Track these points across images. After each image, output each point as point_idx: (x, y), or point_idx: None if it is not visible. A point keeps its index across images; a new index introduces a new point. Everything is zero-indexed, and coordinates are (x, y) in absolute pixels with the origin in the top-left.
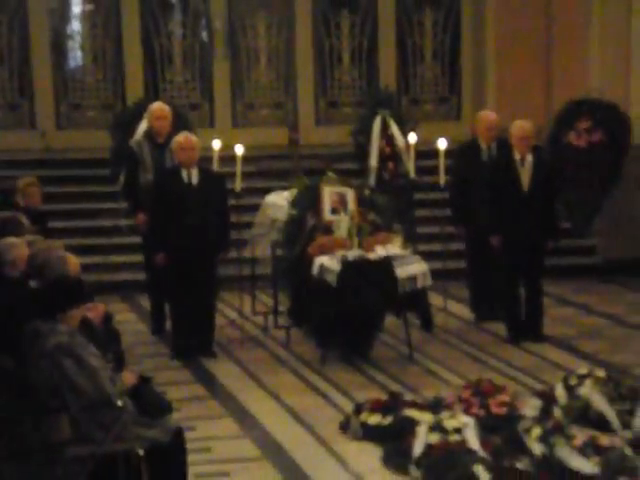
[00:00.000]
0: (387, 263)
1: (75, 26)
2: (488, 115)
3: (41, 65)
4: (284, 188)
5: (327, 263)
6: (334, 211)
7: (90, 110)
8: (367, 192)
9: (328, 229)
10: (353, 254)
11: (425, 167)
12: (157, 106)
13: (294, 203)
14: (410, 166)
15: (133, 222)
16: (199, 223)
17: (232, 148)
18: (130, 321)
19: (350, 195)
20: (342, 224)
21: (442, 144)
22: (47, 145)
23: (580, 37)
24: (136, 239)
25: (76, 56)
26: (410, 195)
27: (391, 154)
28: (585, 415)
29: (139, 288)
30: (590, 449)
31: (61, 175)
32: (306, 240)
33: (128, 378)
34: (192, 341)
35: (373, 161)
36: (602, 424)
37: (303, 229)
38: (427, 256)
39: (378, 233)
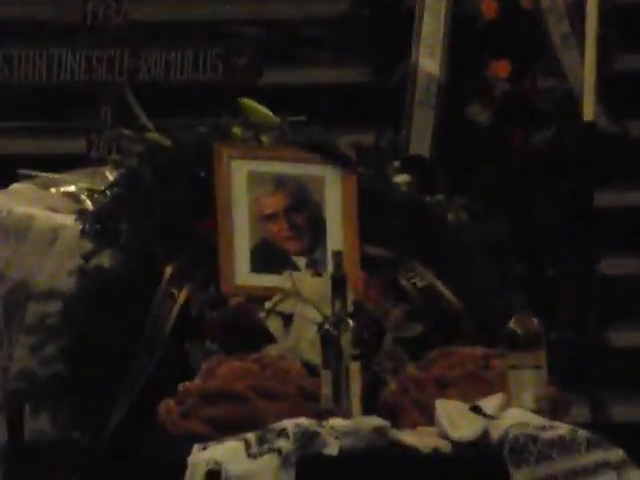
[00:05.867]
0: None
1: None
2: None
3: None
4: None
5: (232, 469)
6: (270, 260)
7: None
8: (405, 186)
9: (246, 327)
10: (347, 427)
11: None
12: None
13: (104, 226)
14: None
15: None
16: None
17: None
18: None
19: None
20: (298, 308)
21: None
22: None
23: None
24: None
25: None
26: (587, 199)
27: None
28: None
29: None
30: None
31: None
32: (157, 372)
33: None
34: None
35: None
36: None
37: (149, 330)
38: None
39: (448, 348)
